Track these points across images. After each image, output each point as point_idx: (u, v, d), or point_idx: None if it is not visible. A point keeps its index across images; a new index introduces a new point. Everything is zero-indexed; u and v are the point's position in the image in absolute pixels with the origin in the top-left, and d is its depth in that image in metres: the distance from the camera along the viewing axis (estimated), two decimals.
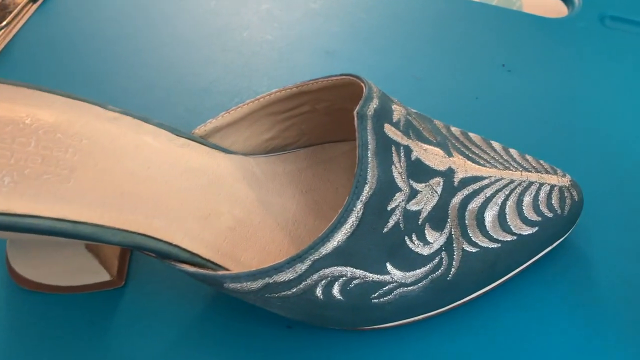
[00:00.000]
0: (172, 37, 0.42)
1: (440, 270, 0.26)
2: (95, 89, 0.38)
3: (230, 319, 0.29)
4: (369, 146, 0.25)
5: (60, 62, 0.40)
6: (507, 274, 0.29)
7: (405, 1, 0.45)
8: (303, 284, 0.24)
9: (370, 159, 0.25)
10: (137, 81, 0.39)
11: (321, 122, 0.31)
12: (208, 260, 0.26)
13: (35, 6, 0.44)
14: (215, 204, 0.27)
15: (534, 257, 0.29)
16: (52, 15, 0.43)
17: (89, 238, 0.23)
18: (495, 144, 0.30)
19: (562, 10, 0.47)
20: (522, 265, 0.29)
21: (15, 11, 0.43)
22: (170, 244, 0.25)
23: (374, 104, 0.26)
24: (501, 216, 0.28)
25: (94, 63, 0.40)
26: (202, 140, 0.28)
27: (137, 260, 0.31)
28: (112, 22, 0.43)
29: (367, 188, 0.24)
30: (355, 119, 0.25)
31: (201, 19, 0.43)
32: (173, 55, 0.41)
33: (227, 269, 0.26)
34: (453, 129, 0.30)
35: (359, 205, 0.24)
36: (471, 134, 0.30)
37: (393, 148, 0.26)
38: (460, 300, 0.28)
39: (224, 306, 0.29)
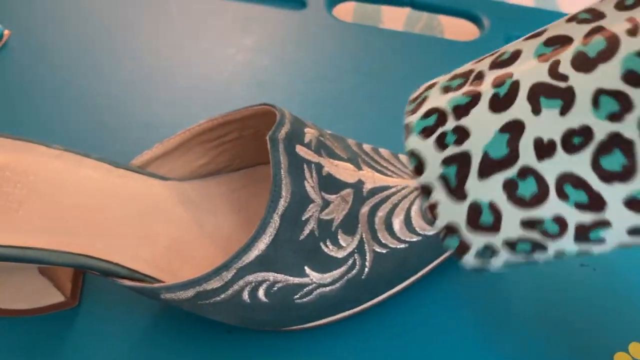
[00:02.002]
0: (117, 78, 0.45)
1: (354, 271, 0.30)
2: (46, 130, 0.41)
3: (176, 329, 0.32)
4: (282, 165, 0.28)
5: (15, 107, 0.43)
6: (418, 272, 0.33)
7: (332, 34, 0.49)
8: (230, 289, 0.28)
9: (283, 176, 0.28)
10: (85, 121, 0.42)
11: (250, 147, 0.35)
12: (146, 275, 0.29)
13: None
14: (152, 226, 0.31)
15: (442, 255, 0.33)
16: (6, 65, 0.46)
17: (37, 261, 0.27)
18: (403, 157, 0.34)
19: (476, 33, 0.51)
20: (431, 263, 0.33)
21: None
22: (111, 262, 0.28)
23: (286, 129, 0.30)
24: (407, 220, 0.31)
25: (45, 107, 0.43)
26: (139, 170, 0.32)
27: (90, 282, 0.34)
28: (58, 67, 0.46)
29: (282, 202, 0.28)
30: (268, 143, 0.29)
31: (144, 59, 0.47)
32: (118, 94, 0.44)
33: (164, 283, 0.29)
34: (365, 146, 0.34)
35: (276, 217, 0.28)
36: (381, 150, 0.34)
37: (305, 166, 0.29)
38: (376, 297, 0.32)
39: (169, 318, 0.32)
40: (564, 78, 0.18)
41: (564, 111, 0.18)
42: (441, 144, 0.21)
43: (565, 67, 0.18)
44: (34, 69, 0.46)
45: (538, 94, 0.19)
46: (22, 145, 0.29)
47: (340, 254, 0.30)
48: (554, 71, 0.18)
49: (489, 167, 0.20)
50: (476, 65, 0.22)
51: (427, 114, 0.22)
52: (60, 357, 0.31)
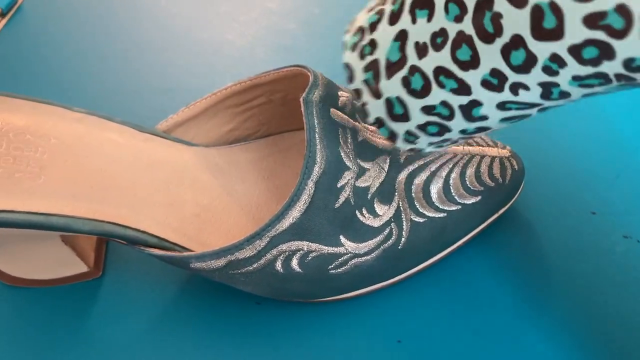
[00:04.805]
0: (136, 42, 0.44)
1: (391, 240, 0.29)
2: (64, 96, 0.40)
3: (203, 300, 0.31)
4: (316, 129, 0.27)
5: (31, 71, 0.42)
6: (456, 242, 0.31)
7: None
8: (263, 259, 0.26)
9: (318, 141, 0.27)
10: (104, 86, 0.41)
11: (278, 112, 0.33)
12: (175, 244, 0.28)
13: (4, 20, 0.46)
14: (180, 193, 0.29)
15: (481, 225, 0.32)
16: (21, 28, 0.45)
17: (62, 229, 0.25)
18: None
19: None
20: (469, 233, 0.31)
21: None
22: (138, 230, 0.27)
23: (320, 91, 0.28)
24: (445, 188, 0.30)
25: (62, 71, 0.42)
26: (165, 135, 0.30)
27: (114, 252, 0.33)
28: (77, 31, 0.45)
29: (316, 168, 0.27)
30: (302, 105, 0.27)
31: (163, 23, 0.45)
32: (138, 59, 0.43)
33: (193, 252, 0.28)
34: None
35: (310, 184, 0.26)
36: None
37: (340, 130, 0.28)
38: (412, 268, 0.30)
39: (195, 289, 0.31)
40: None
41: (429, 18, 0.23)
42: (362, 54, 0.25)
43: None
44: (50, 33, 0.44)
45: (414, 7, 0.23)
46: (42, 108, 0.28)
47: (376, 223, 0.28)
48: None
49: (390, 70, 0.24)
50: None
51: (355, 32, 0.26)
52: (83, 329, 0.30)
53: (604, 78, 0.20)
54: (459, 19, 0.22)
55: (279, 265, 0.27)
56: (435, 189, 0.30)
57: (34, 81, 0.41)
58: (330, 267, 0.28)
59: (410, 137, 0.26)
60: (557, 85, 0.21)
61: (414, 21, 0.23)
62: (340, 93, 0.29)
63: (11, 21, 0.46)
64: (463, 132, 0.25)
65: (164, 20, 0.45)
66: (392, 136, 0.26)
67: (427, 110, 0.24)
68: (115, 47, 0.43)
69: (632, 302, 0.30)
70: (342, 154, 0.27)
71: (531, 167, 0.34)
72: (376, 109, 0.26)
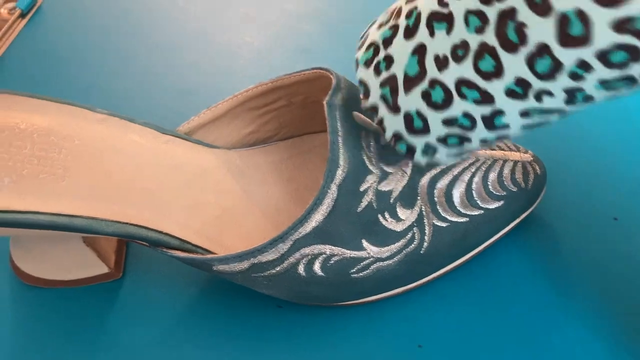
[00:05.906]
0: (156, 44, 0.44)
1: (413, 245, 0.28)
2: (84, 96, 0.40)
3: (223, 302, 0.31)
4: (339, 132, 0.27)
5: (51, 71, 0.42)
6: (478, 247, 0.31)
7: None
8: (286, 262, 0.26)
9: (341, 144, 0.27)
10: (123, 87, 0.41)
11: (298, 114, 0.33)
12: (197, 246, 0.28)
13: (24, 21, 0.46)
14: (201, 195, 0.29)
15: (502, 229, 0.31)
16: (41, 29, 0.45)
17: (85, 230, 0.25)
18: None
19: None
20: (491, 237, 0.31)
21: (6, 26, 0.45)
22: (160, 232, 0.27)
23: (343, 94, 0.28)
24: (468, 192, 0.30)
25: (82, 71, 0.42)
26: (186, 137, 0.30)
27: (134, 253, 0.33)
28: (97, 32, 0.45)
29: (339, 172, 0.26)
30: (325, 108, 0.27)
31: (183, 25, 0.45)
32: (157, 61, 0.43)
33: (215, 254, 0.28)
34: None
35: (333, 188, 0.26)
36: None
37: (362, 134, 0.28)
38: (434, 273, 0.30)
39: (216, 291, 0.31)
40: (447, 5, 0.23)
41: (448, 31, 0.23)
42: (377, 70, 0.26)
43: None
44: (69, 34, 0.44)
45: (432, 20, 0.23)
46: (66, 109, 0.28)
47: (398, 227, 0.28)
48: (440, 0, 0.23)
49: (409, 84, 0.25)
50: (399, 1, 0.27)
51: (368, 48, 0.27)
52: (103, 330, 0.30)
53: (630, 80, 0.20)
54: (480, 30, 0.22)
55: (301, 269, 0.27)
56: (457, 193, 0.29)
57: (53, 82, 0.41)
58: (352, 271, 0.28)
59: (429, 149, 0.26)
60: (582, 90, 0.21)
61: (432, 34, 0.23)
62: (362, 96, 0.29)
63: (31, 22, 0.46)
64: (483, 141, 0.25)
65: (183, 21, 0.46)
66: (410, 150, 0.26)
67: (448, 122, 0.24)
68: (134, 48, 0.44)
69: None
70: (365, 157, 0.27)
71: (553, 172, 0.34)
72: (394, 123, 0.26)
